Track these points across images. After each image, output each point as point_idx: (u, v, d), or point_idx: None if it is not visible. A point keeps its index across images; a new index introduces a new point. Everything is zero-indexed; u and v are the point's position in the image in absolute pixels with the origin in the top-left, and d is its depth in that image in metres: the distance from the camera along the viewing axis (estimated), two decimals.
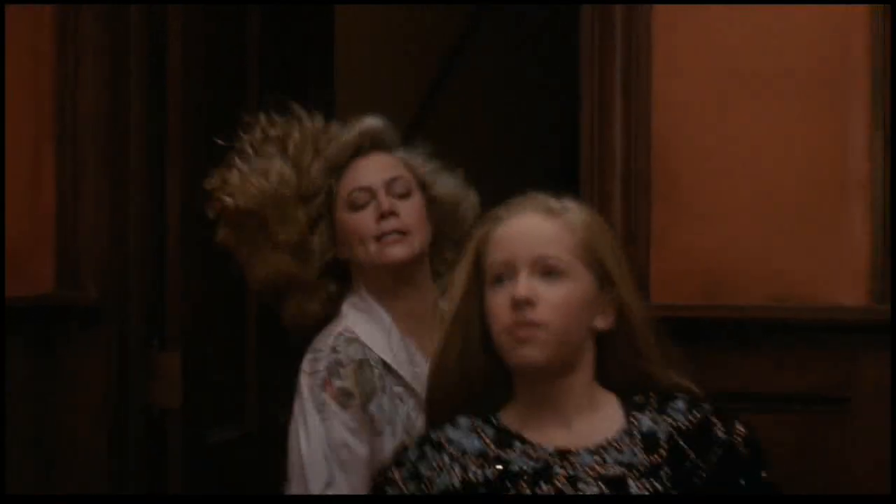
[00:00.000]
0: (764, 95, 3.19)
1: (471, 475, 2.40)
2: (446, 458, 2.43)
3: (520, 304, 2.38)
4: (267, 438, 3.97)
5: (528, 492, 2.37)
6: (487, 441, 2.43)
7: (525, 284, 2.40)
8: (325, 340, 2.96)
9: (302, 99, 4.15)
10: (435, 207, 3.03)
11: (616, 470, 2.38)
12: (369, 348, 2.94)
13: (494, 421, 2.46)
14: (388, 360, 2.94)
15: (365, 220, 2.95)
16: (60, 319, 3.66)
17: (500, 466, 2.40)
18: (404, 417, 2.93)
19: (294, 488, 2.92)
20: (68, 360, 3.66)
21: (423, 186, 3.03)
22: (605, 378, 2.50)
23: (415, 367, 2.96)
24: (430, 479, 2.42)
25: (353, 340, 2.94)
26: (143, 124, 3.71)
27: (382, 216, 2.94)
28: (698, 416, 2.43)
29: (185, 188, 3.77)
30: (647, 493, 2.36)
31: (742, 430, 2.42)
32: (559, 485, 2.37)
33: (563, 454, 2.40)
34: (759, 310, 3.16)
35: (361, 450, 2.88)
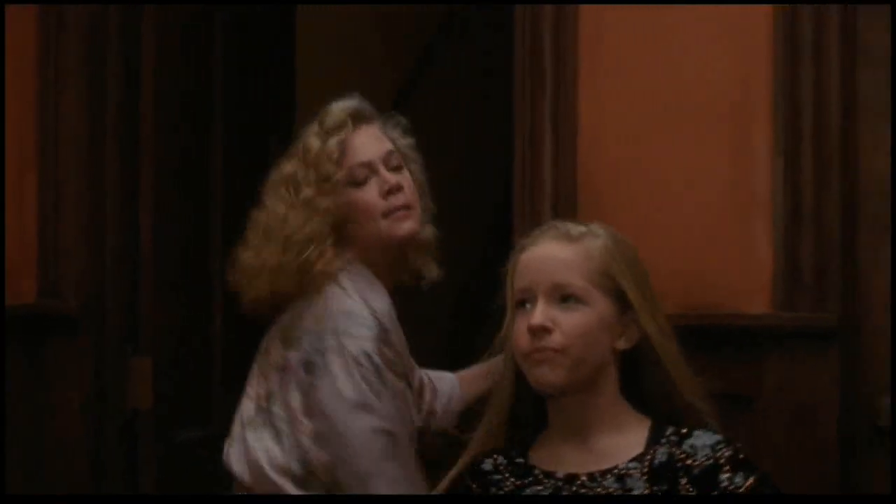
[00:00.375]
0: (678, 126, 3.30)
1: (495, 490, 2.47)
2: (474, 486, 2.49)
3: (536, 331, 2.40)
4: None
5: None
6: (507, 477, 2.48)
7: (541, 312, 2.41)
8: (351, 313, 2.80)
9: (264, 107, 4.35)
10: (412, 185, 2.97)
11: (618, 491, 2.39)
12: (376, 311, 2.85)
13: (517, 458, 2.49)
14: (396, 334, 2.86)
15: (371, 196, 2.86)
16: (43, 328, 3.75)
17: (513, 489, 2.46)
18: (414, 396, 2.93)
19: (349, 472, 2.75)
20: (50, 365, 3.74)
21: (404, 160, 2.98)
22: (644, 401, 2.50)
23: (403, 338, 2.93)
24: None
25: (390, 309, 2.86)
26: (118, 154, 3.80)
27: (390, 192, 2.86)
28: (710, 460, 2.41)
29: (156, 211, 3.85)
30: None
31: (750, 483, 2.41)
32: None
33: (572, 479, 2.43)
34: (673, 318, 3.09)
35: (409, 415, 2.86)
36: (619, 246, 2.50)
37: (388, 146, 2.91)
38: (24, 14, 3.77)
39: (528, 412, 2.50)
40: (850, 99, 3.24)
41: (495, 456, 2.50)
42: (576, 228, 2.50)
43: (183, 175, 3.94)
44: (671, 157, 3.32)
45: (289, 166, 2.89)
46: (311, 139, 2.87)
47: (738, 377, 3.22)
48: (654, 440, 2.44)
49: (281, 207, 2.86)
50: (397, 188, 2.85)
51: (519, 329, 2.43)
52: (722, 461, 2.40)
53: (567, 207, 3.35)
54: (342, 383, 2.73)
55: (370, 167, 2.87)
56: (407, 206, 2.86)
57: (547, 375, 2.41)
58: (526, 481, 2.44)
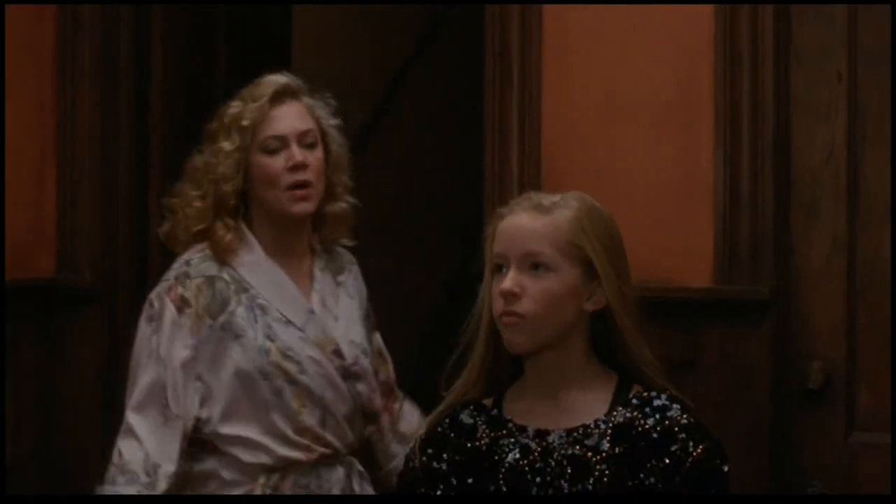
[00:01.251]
0: (630, 120, 3.46)
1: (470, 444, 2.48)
2: (452, 435, 2.51)
3: (506, 296, 2.43)
4: None
5: (509, 458, 2.44)
6: (483, 429, 2.50)
7: (511, 278, 2.44)
8: (185, 256, 2.96)
9: None
10: (328, 160, 3.00)
11: (581, 451, 2.41)
12: (230, 267, 2.93)
13: (493, 409, 2.51)
14: (250, 279, 2.92)
15: (276, 167, 2.91)
16: (60, 300, 3.88)
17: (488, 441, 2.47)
18: (265, 326, 2.89)
19: (129, 383, 2.92)
20: (67, 335, 3.87)
21: (322, 136, 2.99)
22: (610, 358, 2.51)
23: (290, 295, 2.94)
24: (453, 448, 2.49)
25: (209, 258, 2.93)
26: (131, 139, 3.93)
27: (294, 167, 2.90)
28: (666, 424, 2.41)
29: (165, 191, 3.70)
30: (605, 478, 2.39)
31: (700, 453, 2.40)
32: (534, 457, 2.43)
33: (542, 434, 2.45)
34: None
35: (178, 351, 2.87)
36: (589, 216, 2.48)
37: (306, 126, 2.94)
38: (44, 14, 3.89)
39: (505, 365, 2.53)
40: (784, 95, 3.41)
41: (472, 407, 2.53)
42: (549, 199, 2.49)
43: (190, 156, 4.08)
44: (626, 150, 3.48)
45: (214, 121, 2.97)
46: (235, 102, 2.95)
47: (681, 344, 3.38)
48: (618, 400, 2.46)
49: (200, 158, 2.99)
50: (302, 165, 2.89)
51: (494, 292, 2.46)
52: (676, 428, 2.40)
53: None
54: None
55: (282, 140, 2.91)
56: (306, 184, 2.91)
57: (515, 338, 2.45)
58: (500, 433, 2.47)
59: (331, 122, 3.02)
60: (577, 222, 2.47)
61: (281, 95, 2.95)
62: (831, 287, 3.42)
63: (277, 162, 2.92)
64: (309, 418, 2.93)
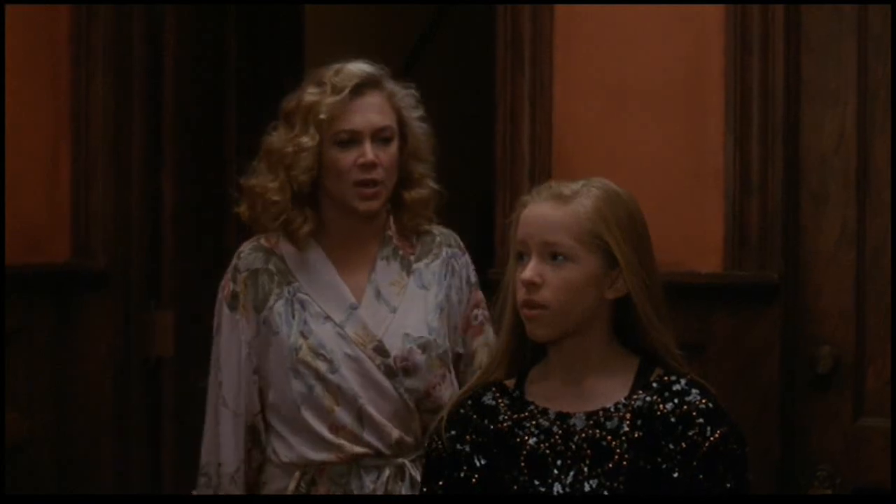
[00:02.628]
0: (642, 106, 3.46)
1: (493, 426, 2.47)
2: (474, 416, 2.49)
3: (527, 285, 2.42)
4: None
5: (530, 441, 2.43)
6: (504, 411, 2.49)
7: (532, 267, 2.42)
8: (241, 247, 2.93)
9: (275, 88, 4.43)
10: (405, 149, 2.91)
11: (602, 434, 2.40)
12: (279, 257, 2.87)
13: (515, 391, 2.50)
14: (296, 272, 2.86)
15: (348, 161, 2.82)
16: (74, 284, 3.89)
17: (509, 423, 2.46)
18: (301, 322, 2.84)
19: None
20: (81, 318, 3.89)
21: (402, 126, 2.90)
22: (633, 341, 2.48)
23: (333, 289, 2.87)
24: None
25: (260, 249, 2.89)
26: (144, 124, 3.94)
27: (364, 165, 2.81)
28: (685, 408, 2.39)
29: (177, 176, 3.97)
30: (624, 461, 2.37)
31: (717, 437, 2.37)
32: (555, 440, 2.42)
33: (563, 417, 2.43)
34: None
35: (235, 349, 2.85)
36: (610, 204, 2.46)
37: (384, 122, 2.84)
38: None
39: (528, 348, 2.52)
40: (795, 82, 3.41)
41: (494, 389, 2.52)
42: (570, 188, 2.47)
43: (201, 145, 4.06)
44: (636, 135, 3.48)
45: (292, 101, 2.87)
46: (313, 89, 2.84)
47: (691, 328, 3.37)
48: (638, 384, 2.44)
49: (277, 141, 2.87)
50: (372, 165, 2.81)
51: (516, 280, 2.46)
52: (694, 413, 2.38)
53: (543, 179, 3.48)
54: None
55: (356, 135, 2.82)
56: (374, 183, 2.83)
57: (536, 330, 2.45)
58: (522, 415, 2.46)
59: (412, 111, 2.93)
60: (596, 212, 2.45)
61: (361, 87, 2.85)
62: (840, 272, 3.42)
63: (349, 157, 2.83)
64: (342, 417, 2.84)
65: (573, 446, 2.43)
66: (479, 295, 3.03)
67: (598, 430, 2.42)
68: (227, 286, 2.90)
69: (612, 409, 2.43)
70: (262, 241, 2.91)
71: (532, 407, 2.49)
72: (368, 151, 2.82)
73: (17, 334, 3.78)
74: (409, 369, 2.88)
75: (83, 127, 3.90)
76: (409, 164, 2.92)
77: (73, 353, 3.91)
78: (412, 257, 2.95)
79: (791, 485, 3.43)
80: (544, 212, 2.46)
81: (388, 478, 2.86)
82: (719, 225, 3.43)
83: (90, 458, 3.89)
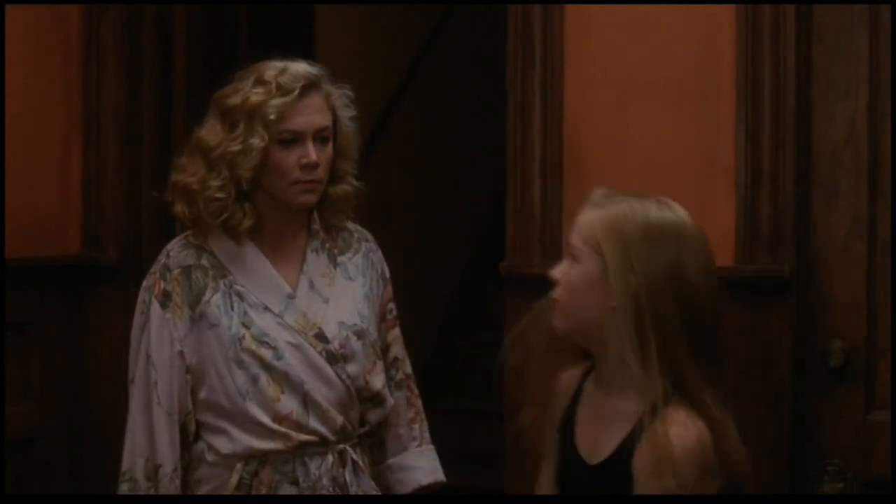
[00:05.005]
0: (653, 97, 3.42)
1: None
2: None
3: (552, 282, 2.55)
4: None
5: None
6: (569, 395, 2.61)
7: (559, 266, 2.54)
8: (168, 245, 2.92)
9: None
10: (335, 147, 2.92)
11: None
12: (210, 253, 2.86)
13: (582, 381, 2.60)
14: (229, 265, 2.85)
15: (291, 160, 2.82)
16: (85, 277, 3.91)
17: None
18: (241, 313, 2.83)
19: (128, 379, 2.88)
20: (92, 310, 3.90)
21: (334, 124, 2.91)
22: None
23: (269, 281, 2.86)
24: None
25: (189, 246, 2.88)
26: (155, 118, 3.95)
27: (306, 166, 2.82)
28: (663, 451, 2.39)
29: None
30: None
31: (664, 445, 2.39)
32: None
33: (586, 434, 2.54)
34: None
35: (167, 348, 2.82)
36: (620, 216, 2.49)
37: (324, 122, 2.86)
38: None
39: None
40: (805, 74, 3.37)
41: (572, 371, 2.62)
42: (605, 196, 2.54)
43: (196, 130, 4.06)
44: (646, 128, 3.45)
45: (234, 98, 2.86)
46: (257, 91, 2.83)
47: None
48: (648, 414, 2.43)
49: (215, 139, 2.86)
50: (315, 165, 2.83)
51: None
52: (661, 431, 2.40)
53: (554, 171, 3.50)
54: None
55: (299, 136, 2.83)
56: (314, 182, 2.85)
57: (553, 319, 2.54)
58: (576, 406, 2.58)
59: (345, 111, 2.94)
60: (606, 220, 2.48)
61: (306, 88, 2.86)
62: (851, 266, 3.38)
63: (291, 156, 2.83)
64: (287, 406, 2.83)
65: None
66: (391, 290, 3.08)
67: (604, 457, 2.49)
68: (156, 285, 2.87)
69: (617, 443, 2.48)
70: (191, 238, 2.90)
71: (581, 402, 2.58)
72: (312, 152, 2.83)
73: (28, 326, 3.79)
74: (347, 356, 2.89)
75: (94, 121, 3.92)
76: (336, 161, 2.94)
77: (84, 346, 3.92)
78: (336, 251, 2.98)
79: (802, 478, 3.39)
80: (578, 215, 2.55)
81: (333, 463, 2.86)
82: (730, 218, 3.39)
83: (102, 450, 3.89)
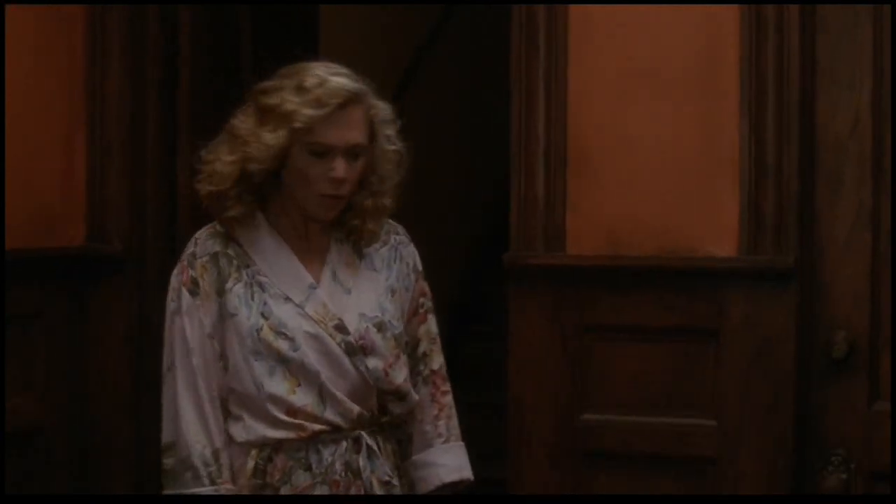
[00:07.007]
0: (656, 89, 3.40)
1: None
2: None
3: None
4: None
5: None
6: None
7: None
8: (197, 233, 2.87)
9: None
10: (372, 160, 2.85)
11: None
12: (236, 242, 2.82)
13: None
14: (253, 255, 2.82)
15: (317, 171, 2.77)
16: (90, 268, 3.89)
17: None
18: (260, 304, 2.80)
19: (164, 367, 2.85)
20: (96, 302, 3.89)
21: (373, 138, 2.84)
22: None
23: (292, 271, 2.82)
24: None
25: (217, 234, 2.84)
26: (158, 110, 3.92)
27: (333, 181, 2.77)
28: None
29: (191, 163, 3.89)
30: None
31: None
32: None
33: None
34: (651, 259, 3.37)
35: (197, 332, 2.79)
36: None
37: (357, 138, 2.79)
38: None
39: None
40: (810, 65, 3.34)
41: None
42: None
43: (215, 130, 4.05)
44: (650, 119, 3.43)
45: (272, 98, 2.79)
46: (294, 100, 2.76)
47: (706, 313, 3.35)
48: None
49: (245, 128, 2.81)
50: (340, 182, 2.78)
51: None
52: None
53: (557, 160, 3.48)
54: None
55: (331, 150, 2.77)
56: (337, 197, 2.80)
57: None
58: None
59: (386, 128, 2.86)
60: None
61: (346, 103, 2.77)
62: (856, 256, 3.35)
63: (319, 167, 2.77)
64: (303, 398, 2.78)
65: None
66: (425, 285, 3.01)
67: None
68: (184, 272, 2.83)
69: None
70: (218, 227, 2.86)
71: None
72: (340, 168, 2.77)
73: (32, 318, 3.77)
74: (367, 348, 2.84)
75: (98, 113, 3.90)
76: (368, 175, 2.87)
77: (88, 337, 3.91)
78: (362, 242, 2.92)
79: (806, 469, 3.36)
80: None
81: (347, 449, 2.82)
82: (735, 209, 3.37)
83: (106, 441, 3.89)
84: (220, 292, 2.82)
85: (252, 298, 2.81)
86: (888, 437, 3.30)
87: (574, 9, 3.47)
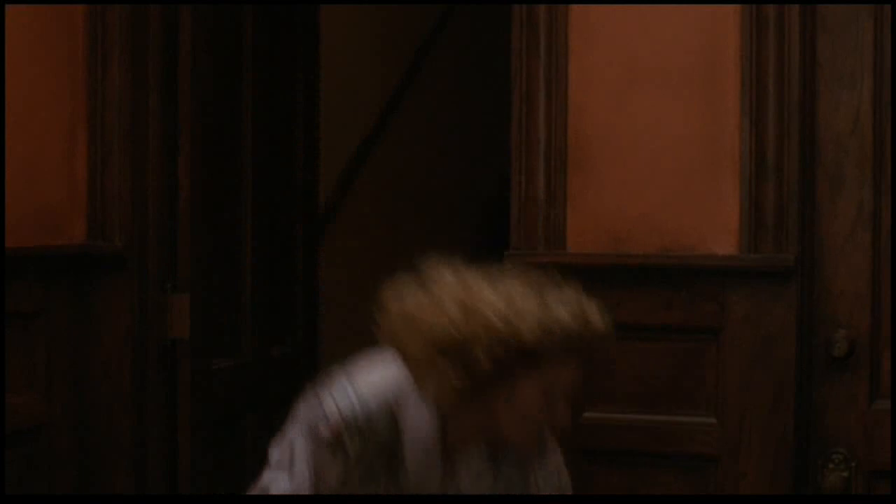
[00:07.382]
0: (657, 87, 3.38)
1: None
2: None
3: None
4: (259, 368, 4.24)
5: None
6: None
7: None
8: (367, 384, 2.58)
9: (289, 83, 4.30)
10: None
11: None
12: (399, 429, 2.58)
13: None
14: (406, 450, 2.60)
15: (539, 407, 2.57)
16: (91, 266, 3.84)
17: None
18: (354, 488, 2.62)
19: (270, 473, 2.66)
20: (98, 300, 3.84)
21: None
22: None
23: (428, 470, 2.63)
24: None
25: (389, 413, 2.57)
26: (160, 108, 3.89)
27: (553, 426, 2.61)
28: None
29: (194, 161, 3.92)
30: None
31: None
32: None
33: None
34: (651, 258, 3.36)
35: (314, 470, 2.60)
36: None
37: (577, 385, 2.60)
38: None
39: None
40: (810, 63, 3.33)
41: None
42: None
43: (216, 128, 4.01)
44: (651, 116, 3.41)
45: (494, 324, 2.52)
46: (536, 334, 2.51)
47: (707, 311, 3.34)
48: None
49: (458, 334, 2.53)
50: (559, 427, 2.62)
51: None
52: None
53: (558, 160, 3.46)
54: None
55: (564, 395, 2.58)
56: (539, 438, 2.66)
57: None
58: None
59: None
60: None
61: (580, 353, 2.58)
62: (856, 255, 3.34)
63: (543, 403, 2.57)
64: None
65: None
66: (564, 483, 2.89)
67: None
68: (335, 428, 2.55)
69: None
70: (391, 398, 2.57)
71: None
72: (564, 415, 2.58)
73: (34, 316, 3.75)
74: None
75: (100, 110, 3.87)
76: None
77: (89, 335, 3.88)
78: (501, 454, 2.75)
79: (807, 468, 3.36)
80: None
81: None
82: (735, 207, 3.36)
83: (107, 439, 3.87)
84: (356, 465, 2.63)
85: (353, 483, 2.64)
86: (889, 436, 3.30)
87: (574, 8, 3.46)
